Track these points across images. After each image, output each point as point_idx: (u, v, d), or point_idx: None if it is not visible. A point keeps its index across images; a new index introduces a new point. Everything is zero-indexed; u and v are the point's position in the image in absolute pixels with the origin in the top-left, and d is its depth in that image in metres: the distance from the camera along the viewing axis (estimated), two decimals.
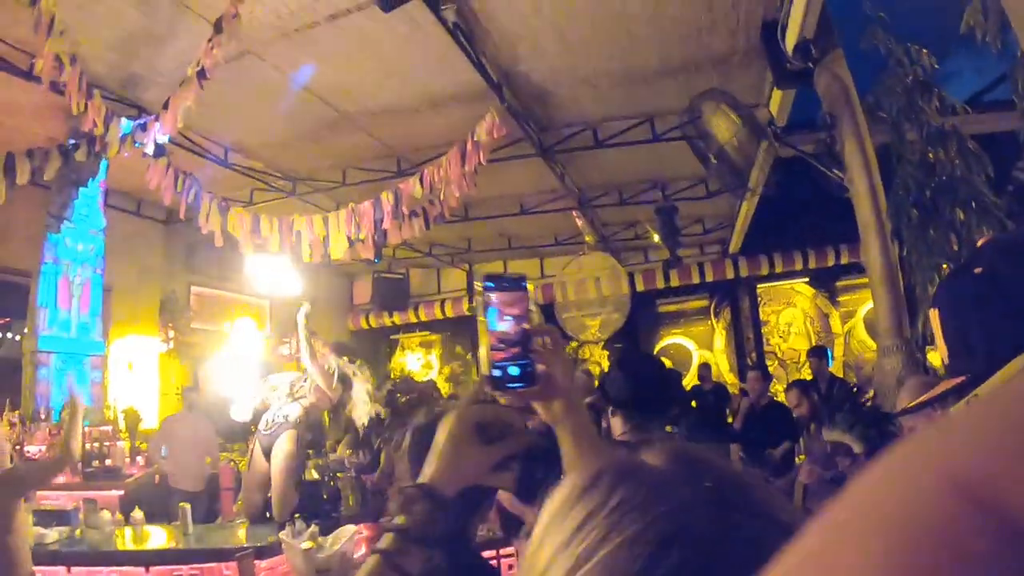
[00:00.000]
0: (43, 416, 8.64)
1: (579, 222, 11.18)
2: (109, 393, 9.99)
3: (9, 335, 11.61)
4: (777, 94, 8.00)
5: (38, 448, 8.23)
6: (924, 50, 5.33)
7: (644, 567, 0.54)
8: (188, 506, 5.27)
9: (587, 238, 11.87)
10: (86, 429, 8.48)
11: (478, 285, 1.14)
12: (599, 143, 9.47)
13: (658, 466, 0.65)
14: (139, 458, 8.94)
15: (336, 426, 6.67)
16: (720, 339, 15.31)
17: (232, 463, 8.83)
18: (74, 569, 4.72)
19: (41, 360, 8.94)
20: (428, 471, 1.15)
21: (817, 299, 14.93)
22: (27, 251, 9.30)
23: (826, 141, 7.34)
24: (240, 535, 5.30)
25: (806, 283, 14.87)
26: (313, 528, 4.62)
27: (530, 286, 1.20)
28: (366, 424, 6.21)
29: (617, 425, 3.02)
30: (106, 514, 5.44)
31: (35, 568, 4.64)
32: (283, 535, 4.55)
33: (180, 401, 10.27)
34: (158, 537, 5.27)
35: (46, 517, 5.12)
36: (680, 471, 0.65)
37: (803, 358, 14.20)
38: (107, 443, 8.64)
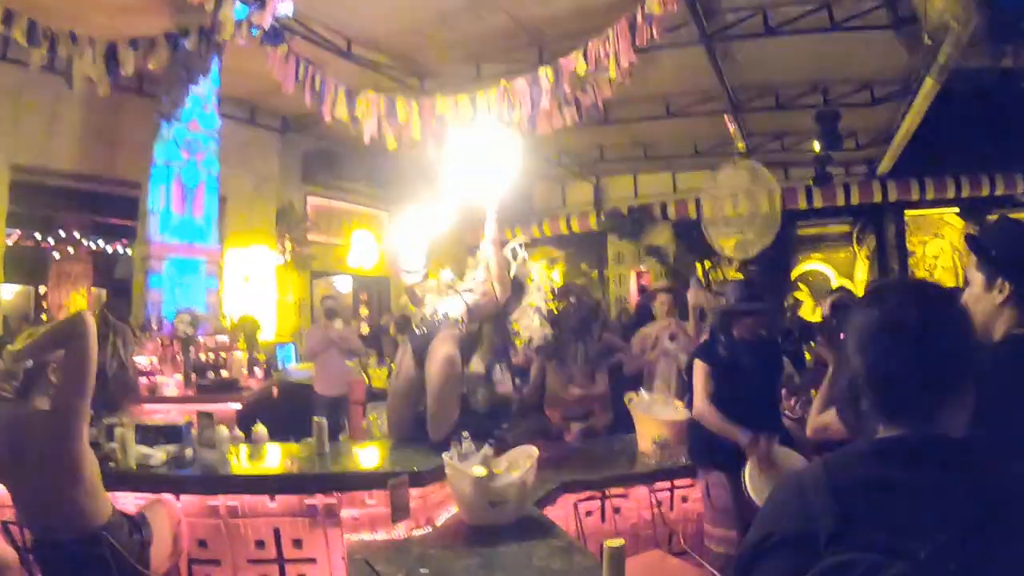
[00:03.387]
0: (155, 326, 7.70)
1: (731, 127, 9.63)
2: (225, 304, 9.02)
3: (123, 250, 10.84)
4: None
5: (149, 359, 7.29)
6: None
7: None
8: (324, 421, 4.07)
9: (739, 145, 10.27)
10: (200, 339, 7.55)
11: None
12: (769, 30, 7.85)
13: None
14: (256, 369, 7.95)
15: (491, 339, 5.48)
16: (862, 269, 13.64)
17: (363, 375, 7.75)
18: (184, 497, 3.59)
19: (153, 267, 7.97)
20: None
21: (966, 232, 12.86)
22: (138, 162, 8.32)
23: None
24: (386, 456, 4.09)
25: (956, 214, 13.20)
26: (486, 450, 3.40)
27: None
28: (532, 345, 4.89)
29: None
30: (223, 429, 4.32)
31: (138, 494, 3.56)
32: (448, 458, 3.33)
33: (299, 313, 9.34)
34: (286, 458, 4.07)
35: (152, 434, 3.97)
36: None
37: None
38: (223, 354, 7.67)
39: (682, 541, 4.20)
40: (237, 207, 10.04)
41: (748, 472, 3.64)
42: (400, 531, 3.48)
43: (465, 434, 3.57)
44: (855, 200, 12.64)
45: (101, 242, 10.68)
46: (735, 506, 3.77)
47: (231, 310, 9.05)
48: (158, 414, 6.14)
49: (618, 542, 2.35)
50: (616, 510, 4.20)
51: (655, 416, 4.75)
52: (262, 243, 10.47)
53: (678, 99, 10.28)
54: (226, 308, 8.96)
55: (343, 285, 13.66)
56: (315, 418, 4.08)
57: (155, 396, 6.74)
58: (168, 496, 3.54)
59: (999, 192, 12.10)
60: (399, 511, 3.41)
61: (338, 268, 12.68)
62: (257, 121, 10.71)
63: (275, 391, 7.93)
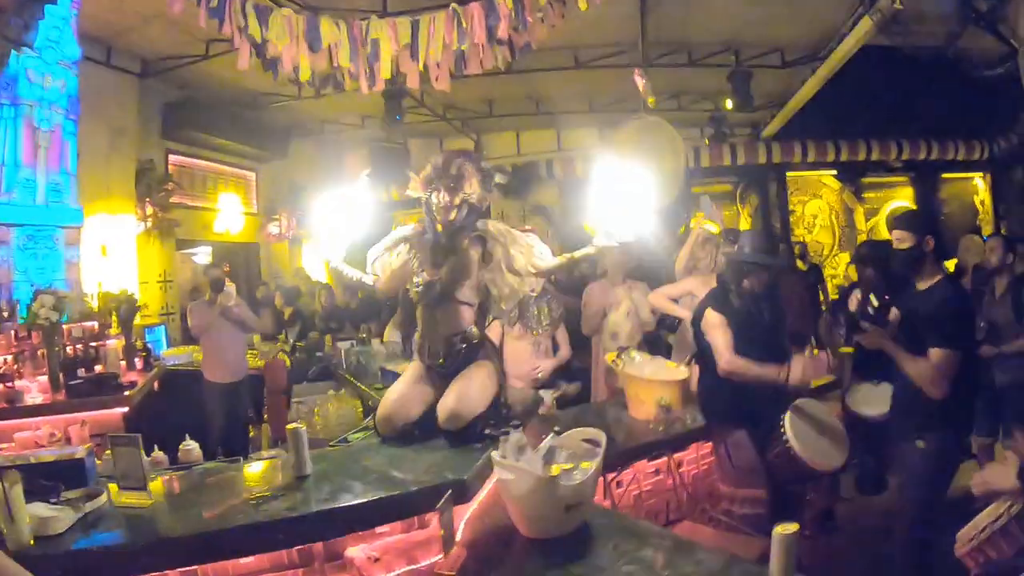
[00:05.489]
0: (5, 314, 6.17)
1: (640, 82, 9.19)
2: (85, 279, 7.53)
3: None
4: None
5: (2, 358, 5.84)
6: None
7: None
8: (303, 427, 3.04)
9: (650, 101, 9.90)
10: (64, 326, 6.20)
11: None
12: None
13: None
14: (136, 360, 6.64)
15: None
16: (745, 226, 13.85)
17: (283, 354, 6.68)
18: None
19: None
20: None
21: (843, 193, 14.05)
22: None
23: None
24: (389, 464, 2.96)
25: (833, 176, 13.85)
26: (549, 440, 2.67)
27: None
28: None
29: None
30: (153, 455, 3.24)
31: None
32: (499, 457, 2.52)
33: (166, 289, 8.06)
34: (252, 486, 2.84)
35: (43, 478, 2.54)
36: None
37: (826, 251, 13.96)
38: (94, 343, 6.32)
39: (708, 508, 3.87)
40: (91, 165, 8.28)
41: (789, 418, 3.52)
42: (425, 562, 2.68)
43: (516, 422, 2.79)
44: (741, 161, 12.85)
45: None
46: (760, 464, 3.64)
47: (90, 289, 7.60)
48: (22, 432, 4.82)
49: (791, 527, 1.82)
50: (618, 484, 3.73)
51: (655, 377, 4.26)
52: (120, 209, 8.91)
53: (588, 51, 9.76)
54: (85, 287, 7.49)
55: (202, 255, 12.20)
56: (289, 426, 3.11)
57: (15, 407, 5.30)
58: None
59: (874, 157, 12.80)
60: (450, 540, 2.58)
61: (203, 236, 11.24)
62: (113, 62, 8.95)
63: (157, 384, 6.70)
